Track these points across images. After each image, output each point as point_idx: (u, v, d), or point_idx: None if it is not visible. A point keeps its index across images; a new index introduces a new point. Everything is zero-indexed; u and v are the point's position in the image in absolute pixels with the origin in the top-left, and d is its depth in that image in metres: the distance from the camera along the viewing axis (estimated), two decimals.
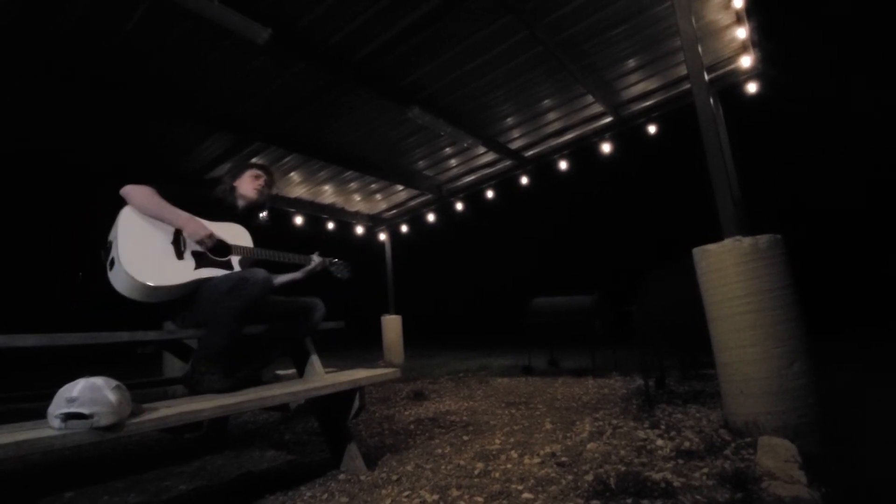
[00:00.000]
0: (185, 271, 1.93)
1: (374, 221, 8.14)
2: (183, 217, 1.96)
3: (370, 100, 4.48)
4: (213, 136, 4.81)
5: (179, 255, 1.94)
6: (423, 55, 3.94)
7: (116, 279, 1.83)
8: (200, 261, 1.98)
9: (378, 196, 7.33)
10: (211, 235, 1.98)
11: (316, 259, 2.44)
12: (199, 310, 1.93)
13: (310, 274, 2.45)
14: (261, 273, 1.95)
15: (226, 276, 1.96)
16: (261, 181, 2.36)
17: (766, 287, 2.06)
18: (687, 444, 2.04)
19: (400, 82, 4.28)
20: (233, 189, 2.33)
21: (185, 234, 1.97)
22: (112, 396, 1.22)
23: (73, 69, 3.48)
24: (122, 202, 1.94)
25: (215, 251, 2.05)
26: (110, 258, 1.84)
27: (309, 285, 2.48)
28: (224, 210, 2.23)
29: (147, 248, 1.88)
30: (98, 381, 1.24)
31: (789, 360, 2.01)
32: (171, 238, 1.95)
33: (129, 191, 1.93)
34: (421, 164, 6.30)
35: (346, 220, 7.70)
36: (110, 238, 1.87)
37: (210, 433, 2.71)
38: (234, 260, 2.11)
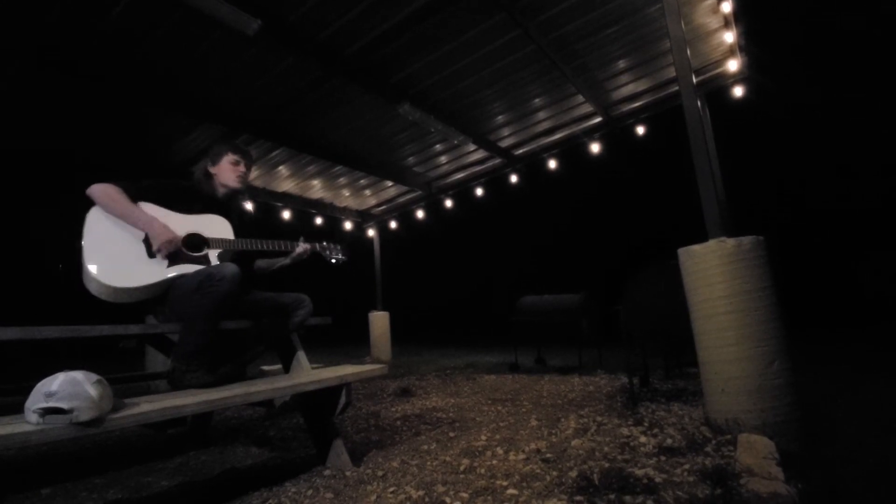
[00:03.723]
0: (157, 270, 1.88)
1: (362, 217, 8.10)
2: (144, 219, 1.89)
3: (361, 95, 4.44)
4: (200, 127, 4.73)
5: (151, 254, 1.89)
6: (415, 51, 3.93)
7: (89, 283, 1.81)
8: (174, 258, 1.93)
9: (367, 192, 7.29)
10: (171, 242, 1.89)
11: (303, 245, 2.32)
12: (173, 308, 1.89)
13: (298, 259, 2.33)
14: (228, 268, 1.87)
15: (194, 272, 1.91)
16: (241, 167, 2.25)
17: (748, 288, 2.10)
18: (669, 440, 2.08)
19: (391, 78, 4.25)
20: (210, 176, 2.24)
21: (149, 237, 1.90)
22: (92, 391, 1.19)
23: (58, 57, 3.39)
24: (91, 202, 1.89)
25: (190, 247, 2.00)
26: (80, 261, 1.81)
27: (296, 281, 2.44)
28: (204, 201, 2.16)
29: (116, 250, 1.84)
30: (78, 375, 1.21)
31: (769, 359, 2.05)
32: (142, 236, 1.90)
33: (93, 191, 1.88)
34: (411, 160, 6.28)
35: (334, 215, 7.65)
36: (80, 241, 1.83)
37: (193, 429, 2.68)
38: (213, 254, 2.04)
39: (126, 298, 1.86)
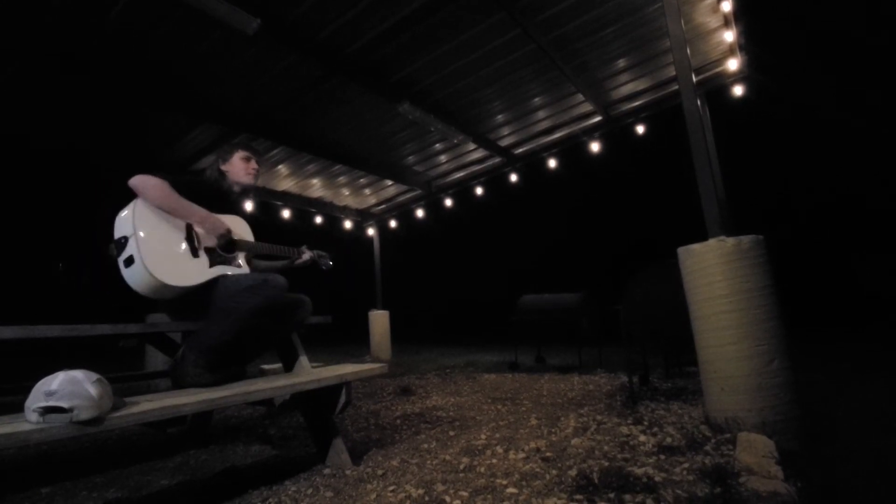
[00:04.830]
0: (202, 270, 1.90)
1: (362, 216, 8.10)
2: (200, 213, 1.90)
3: (361, 94, 4.44)
4: (199, 126, 4.73)
5: (195, 253, 1.90)
6: (415, 50, 3.92)
7: (134, 278, 1.77)
8: (213, 258, 1.96)
9: (367, 191, 7.29)
10: (230, 230, 1.95)
11: (306, 252, 2.41)
12: (209, 303, 1.88)
13: (300, 266, 2.42)
14: (281, 279, 1.93)
15: (248, 275, 1.96)
16: (253, 163, 2.27)
17: (748, 287, 2.10)
18: (669, 439, 2.08)
19: (391, 77, 4.25)
20: (223, 174, 2.24)
21: (202, 229, 1.91)
22: (92, 390, 1.19)
23: (57, 56, 3.39)
24: (121, 194, 1.85)
25: (225, 248, 2.02)
26: (127, 255, 1.76)
27: (297, 280, 2.45)
28: (223, 199, 2.17)
29: (167, 247, 1.82)
30: (78, 374, 1.21)
31: (768, 358, 2.05)
32: (184, 234, 1.89)
33: (140, 182, 1.82)
34: (411, 159, 6.28)
35: (334, 214, 7.65)
36: (125, 233, 1.78)
37: (193, 428, 2.67)
38: (241, 256, 2.08)
39: (167, 295, 1.86)
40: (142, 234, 1.77)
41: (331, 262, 2.57)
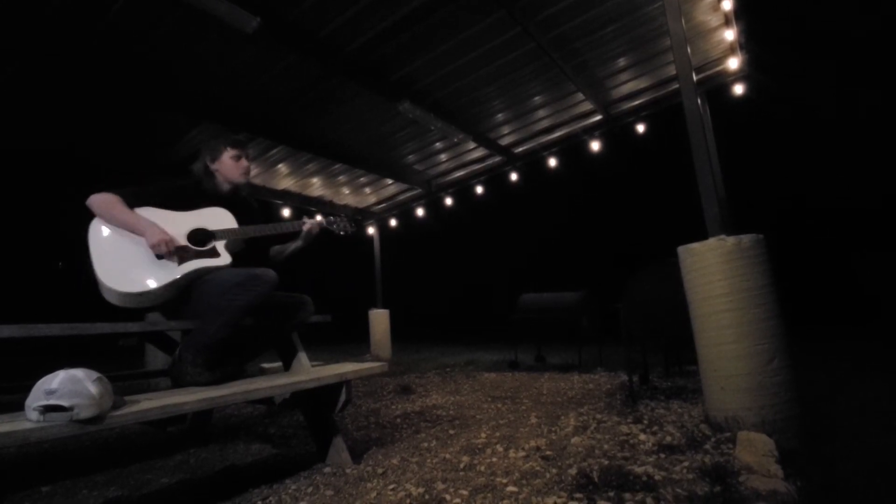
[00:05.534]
0: (169, 270, 1.89)
1: (362, 215, 8.10)
2: (142, 224, 1.89)
3: (361, 93, 4.44)
4: (199, 126, 4.72)
5: (161, 256, 1.90)
6: (415, 49, 3.92)
7: (105, 294, 1.83)
8: (183, 256, 1.94)
9: (367, 190, 7.29)
10: (165, 242, 1.87)
11: (309, 221, 2.26)
12: (200, 300, 1.88)
13: (309, 238, 2.28)
14: (271, 273, 1.93)
15: (236, 270, 1.94)
16: (244, 161, 2.21)
17: (748, 286, 2.10)
18: (668, 438, 2.08)
19: (391, 76, 4.25)
20: (211, 173, 2.19)
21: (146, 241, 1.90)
22: (93, 388, 1.19)
23: (56, 56, 3.38)
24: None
25: (196, 243, 2.00)
26: (94, 274, 1.82)
27: (298, 280, 2.42)
28: (208, 197, 2.14)
29: (123, 257, 1.86)
30: (78, 372, 1.21)
31: (768, 357, 2.05)
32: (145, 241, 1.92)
33: (93, 202, 1.90)
34: (411, 158, 6.28)
35: (334, 213, 7.64)
36: (90, 255, 1.85)
37: (193, 426, 2.68)
38: (220, 245, 2.03)
39: (150, 301, 1.88)
40: (95, 252, 1.84)
41: (352, 225, 2.32)
